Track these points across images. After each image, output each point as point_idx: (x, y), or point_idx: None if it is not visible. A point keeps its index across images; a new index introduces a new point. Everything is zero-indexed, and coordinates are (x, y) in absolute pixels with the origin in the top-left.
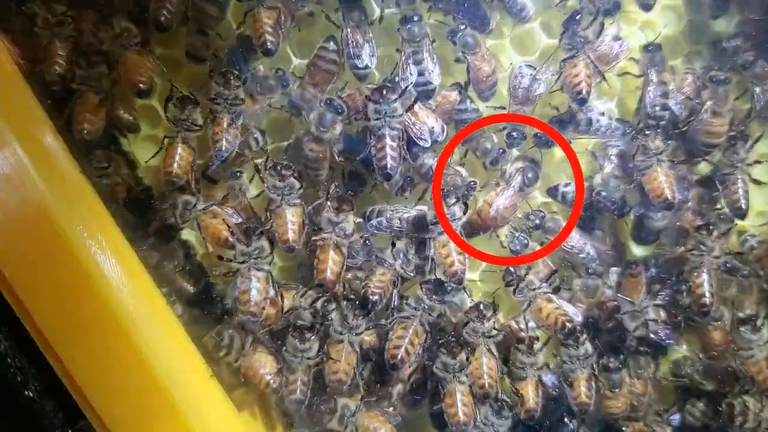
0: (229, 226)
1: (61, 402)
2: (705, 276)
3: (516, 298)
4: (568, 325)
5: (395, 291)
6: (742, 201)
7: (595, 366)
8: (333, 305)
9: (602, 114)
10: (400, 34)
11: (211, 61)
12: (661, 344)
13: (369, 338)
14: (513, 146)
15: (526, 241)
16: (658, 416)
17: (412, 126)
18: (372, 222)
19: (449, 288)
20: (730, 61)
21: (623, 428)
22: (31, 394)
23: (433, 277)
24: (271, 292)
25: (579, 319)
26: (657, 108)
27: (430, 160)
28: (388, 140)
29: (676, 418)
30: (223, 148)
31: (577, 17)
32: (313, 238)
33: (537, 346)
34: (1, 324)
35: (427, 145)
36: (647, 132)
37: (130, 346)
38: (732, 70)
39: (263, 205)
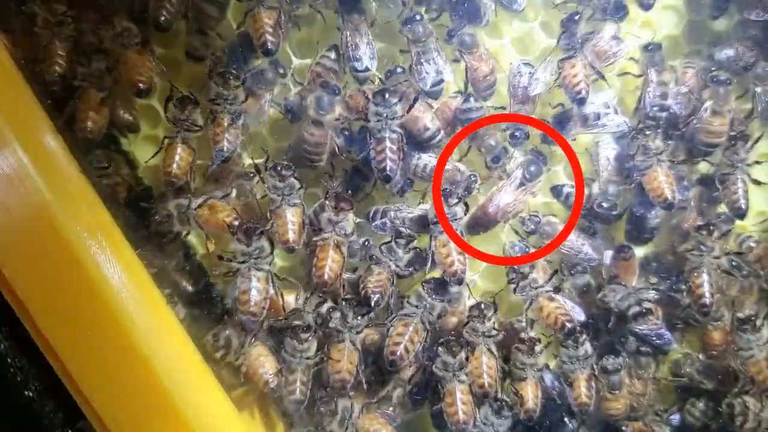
0: (230, 213)
1: (61, 402)
2: (705, 276)
3: (517, 296)
4: (568, 325)
5: (393, 289)
6: (742, 201)
7: (594, 366)
8: (337, 311)
9: (607, 106)
10: (404, 35)
11: (211, 61)
12: (661, 347)
13: (370, 334)
14: (516, 146)
15: (527, 250)
16: (658, 416)
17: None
18: (376, 222)
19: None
20: (729, 66)
21: (623, 428)
22: (31, 394)
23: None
24: (271, 292)
25: (582, 318)
26: (656, 108)
27: (430, 160)
28: (387, 143)
29: (675, 417)
30: (224, 149)
31: (576, 17)
32: (314, 238)
33: (538, 348)
34: (1, 324)
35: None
36: (647, 132)
37: (130, 347)
38: (733, 72)
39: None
